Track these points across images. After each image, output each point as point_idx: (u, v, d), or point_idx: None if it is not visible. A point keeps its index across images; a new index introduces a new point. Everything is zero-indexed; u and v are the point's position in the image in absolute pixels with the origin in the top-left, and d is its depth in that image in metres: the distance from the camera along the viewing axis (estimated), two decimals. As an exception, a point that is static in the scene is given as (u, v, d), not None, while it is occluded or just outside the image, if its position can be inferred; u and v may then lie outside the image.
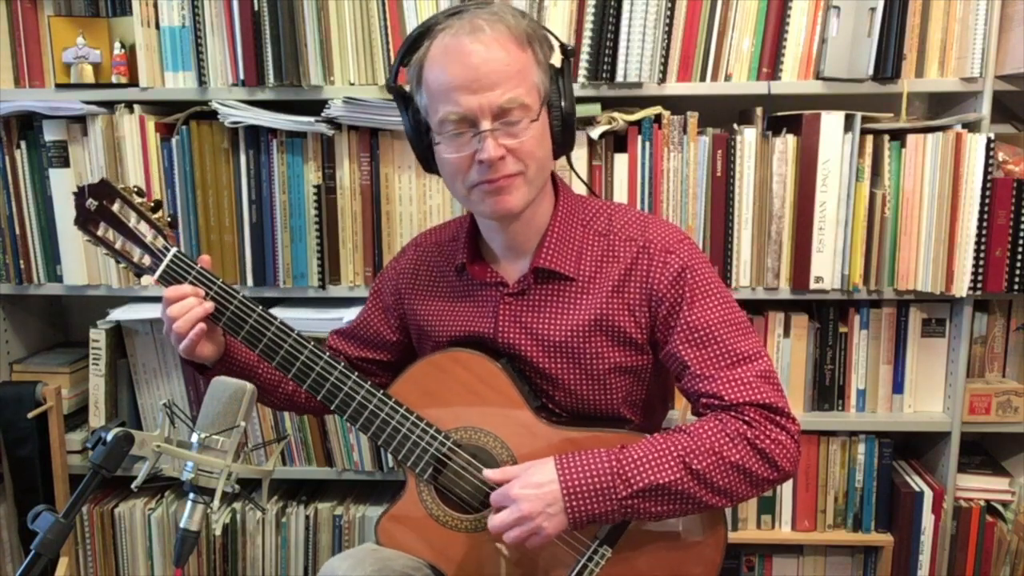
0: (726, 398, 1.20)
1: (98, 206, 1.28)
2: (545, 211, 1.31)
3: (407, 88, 1.27)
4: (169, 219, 1.31)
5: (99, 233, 1.30)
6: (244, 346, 1.33)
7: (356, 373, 1.31)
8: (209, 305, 1.27)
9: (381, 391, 1.31)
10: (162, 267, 1.28)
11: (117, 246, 1.30)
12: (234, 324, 1.30)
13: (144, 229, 1.30)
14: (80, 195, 1.29)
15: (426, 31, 1.21)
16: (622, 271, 1.27)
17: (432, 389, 1.32)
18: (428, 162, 1.29)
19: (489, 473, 1.22)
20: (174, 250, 1.29)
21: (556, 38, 1.27)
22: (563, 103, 1.23)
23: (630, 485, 1.15)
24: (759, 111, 1.78)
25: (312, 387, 1.30)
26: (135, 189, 1.32)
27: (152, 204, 1.31)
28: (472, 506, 1.30)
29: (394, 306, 1.44)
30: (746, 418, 1.18)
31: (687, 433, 1.19)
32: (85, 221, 1.29)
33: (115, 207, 1.29)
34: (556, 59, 1.26)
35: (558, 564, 1.27)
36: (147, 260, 1.29)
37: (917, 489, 1.88)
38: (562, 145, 1.27)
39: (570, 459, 1.18)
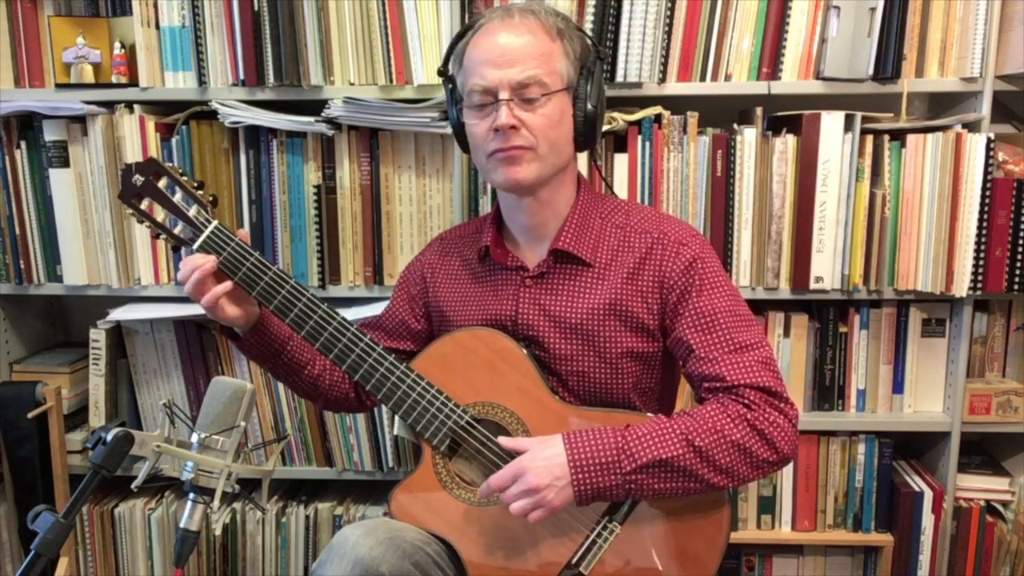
0: (728, 379, 1.25)
1: (144, 182, 1.35)
2: (565, 199, 1.38)
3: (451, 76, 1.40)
4: (212, 198, 1.36)
5: (143, 207, 1.37)
6: (277, 320, 1.39)
7: (380, 346, 1.36)
8: (212, 258, 1.33)
9: (404, 364, 1.36)
10: (203, 237, 1.34)
11: (159, 219, 1.37)
12: (267, 294, 1.35)
13: (187, 204, 1.35)
14: (127, 171, 1.36)
15: (472, 25, 1.35)
16: (636, 260, 1.34)
17: (452, 364, 1.37)
18: (463, 141, 1.40)
19: (504, 440, 1.28)
20: (215, 222, 1.35)
21: (593, 41, 1.38)
22: (589, 98, 1.32)
23: (634, 460, 1.19)
24: (759, 111, 1.78)
25: (338, 356, 1.36)
26: (180, 170, 1.38)
27: (196, 183, 1.37)
28: (486, 479, 1.33)
29: (420, 295, 1.51)
30: (746, 400, 1.23)
31: (689, 415, 1.24)
32: (130, 195, 1.36)
33: (161, 183, 1.36)
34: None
35: (568, 540, 1.30)
36: (188, 232, 1.36)
37: (917, 489, 1.88)
38: (584, 136, 1.34)
39: (577, 435, 1.23)
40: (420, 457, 1.38)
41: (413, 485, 1.37)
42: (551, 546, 1.31)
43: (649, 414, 1.28)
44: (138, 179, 1.35)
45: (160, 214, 1.37)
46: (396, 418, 1.38)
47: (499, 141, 1.29)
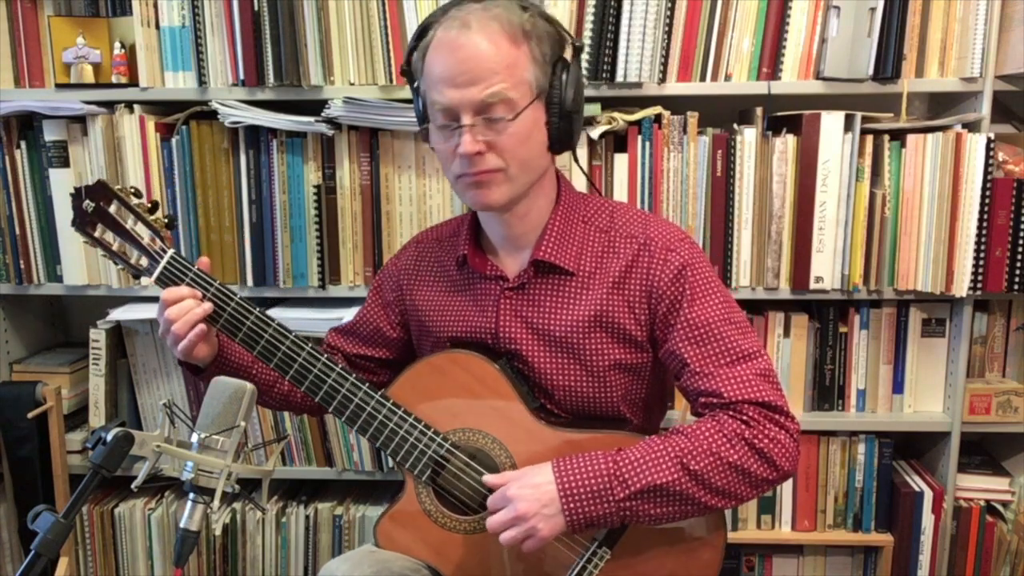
0: (725, 395, 1.19)
1: (95, 208, 1.28)
2: (545, 206, 1.31)
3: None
4: (167, 220, 1.31)
5: (96, 234, 1.30)
6: (239, 347, 1.33)
7: (354, 375, 1.30)
8: (207, 306, 1.27)
9: (379, 392, 1.30)
10: (159, 269, 1.28)
11: (115, 248, 1.30)
12: (232, 326, 1.30)
13: (141, 230, 1.29)
14: (77, 197, 1.29)
15: (432, 22, 1.23)
16: (622, 267, 1.27)
17: (430, 390, 1.32)
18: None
19: (488, 478, 1.22)
20: (171, 252, 1.29)
21: (568, 33, 1.27)
22: (564, 98, 1.22)
23: (627, 487, 1.15)
24: (759, 111, 1.78)
25: (310, 388, 1.30)
26: (132, 190, 1.32)
27: (149, 205, 1.31)
28: (470, 507, 1.30)
29: (395, 302, 1.45)
30: (744, 417, 1.18)
31: (684, 435, 1.18)
32: (83, 223, 1.30)
33: (112, 208, 1.29)
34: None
35: (557, 565, 1.27)
36: (144, 262, 1.29)
37: (917, 489, 1.88)
38: (561, 140, 1.26)
39: (567, 461, 1.17)
40: (403, 485, 1.35)
41: (397, 514, 1.34)
42: (540, 573, 1.28)
43: (643, 437, 1.22)
44: (89, 205, 1.27)
45: (115, 242, 1.29)
46: None
47: (464, 166, 1.20)
